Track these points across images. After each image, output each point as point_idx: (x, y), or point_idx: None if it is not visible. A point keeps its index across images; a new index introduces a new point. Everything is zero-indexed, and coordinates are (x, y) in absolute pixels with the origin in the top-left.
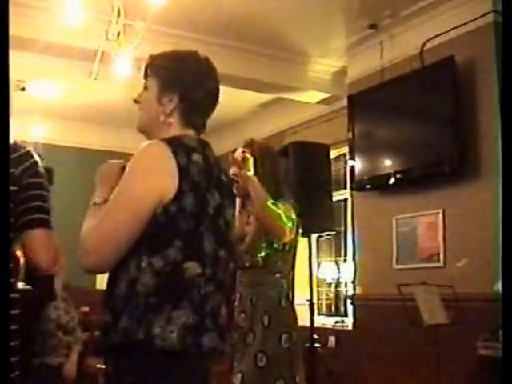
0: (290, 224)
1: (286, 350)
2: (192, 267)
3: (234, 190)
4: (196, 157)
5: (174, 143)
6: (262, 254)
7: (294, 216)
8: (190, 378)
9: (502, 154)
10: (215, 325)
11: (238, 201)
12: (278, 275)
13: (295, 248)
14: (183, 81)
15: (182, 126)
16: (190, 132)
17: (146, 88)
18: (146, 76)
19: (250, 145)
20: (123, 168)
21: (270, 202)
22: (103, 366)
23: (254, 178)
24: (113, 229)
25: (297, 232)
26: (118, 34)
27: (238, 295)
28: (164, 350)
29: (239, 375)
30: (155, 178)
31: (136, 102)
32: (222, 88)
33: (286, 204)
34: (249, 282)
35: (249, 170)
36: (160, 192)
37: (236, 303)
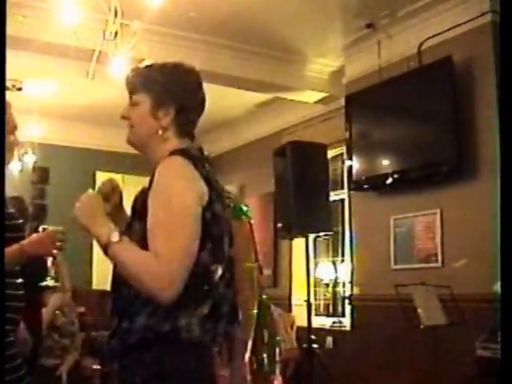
0: None
1: None
2: (216, 269)
3: None
4: (207, 166)
5: (188, 156)
6: None
7: None
8: (205, 364)
9: (501, 154)
10: (226, 313)
11: None
12: None
13: None
14: (178, 93)
15: (179, 137)
16: (187, 142)
17: (135, 104)
18: (133, 92)
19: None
20: (114, 188)
21: None
22: (99, 367)
23: None
24: (187, 246)
25: None
26: (115, 33)
27: None
28: (189, 341)
29: None
30: (192, 184)
31: (124, 118)
32: (219, 88)
33: None
34: None
35: None
36: (200, 197)
37: None
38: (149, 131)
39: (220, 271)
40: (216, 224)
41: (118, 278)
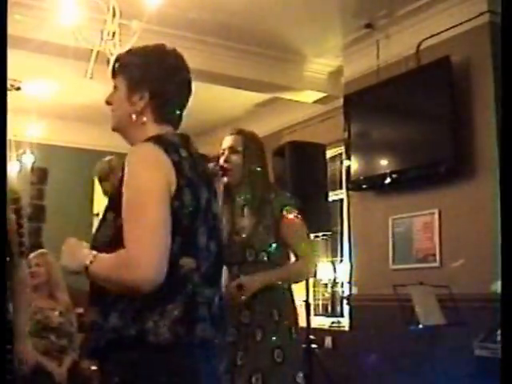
0: None
1: (295, 342)
2: (188, 263)
3: (218, 182)
4: (183, 153)
5: (161, 142)
6: (270, 249)
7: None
8: (184, 370)
9: (502, 154)
10: (208, 315)
11: (221, 193)
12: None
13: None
14: (151, 76)
15: (157, 122)
16: (168, 128)
17: (115, 88)
18: (113, 76)
19: (239, 133)
20: (111, 168)
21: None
22: (97, 368)
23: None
24: (153, 230)
25: None
26: (114, 33)
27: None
28: (157, 344)
29: (259, 374)
30: (161, 172)
31: (108, 103)
32: (217, 88)
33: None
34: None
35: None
36: (168, 186)
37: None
38: (125, 116)
39: (193, 265)
40: (186, 215)
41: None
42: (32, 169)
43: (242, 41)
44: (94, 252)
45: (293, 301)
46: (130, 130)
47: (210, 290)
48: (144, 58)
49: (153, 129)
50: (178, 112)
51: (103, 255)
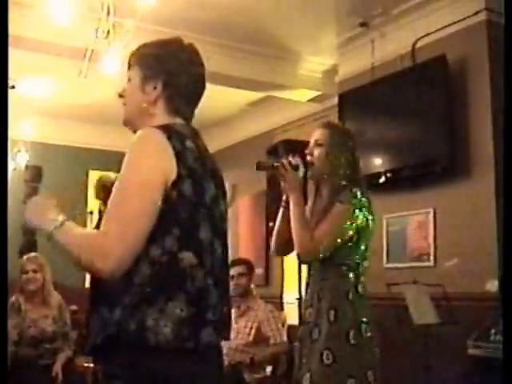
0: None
1: (354, 347)
2: (188, 257)
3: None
4: (189, 144)
5: (166, 129)
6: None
7: (357, 216)
8: (184, 374)
9: (504, 154)
10: (213, 318)
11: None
12: (344, 267)
13: (366, 239)
14: (166, 67)
15: (169, 114)
16: (178, 120)
17: (129, 79)
18: (128, 68)
19: (325, 127)
20: (103, 186)
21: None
22: (91, 365)
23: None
24: (132, 220)
25: (367, 220)
26: (108, 32)
27: (308, 290)
28: (157, 345)
29: (308, 374)
30: (158, 160)
31: (120, 96)
32: (211, 86)
33: (345, 205)
34: (317, 276)
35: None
36: (164, 175)
37: (306, 297)
38: (138, 106)
39: (194, 261)
40: (186, 207)
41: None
42: (26, 167)
43: (236, 39)
44: (61, 217)
45: (364, 303)
46: (141, 122)
47: (215, 289)
48: (160, 49)
49: (163, 120)
50: (189, 106)
51: (72, 225)
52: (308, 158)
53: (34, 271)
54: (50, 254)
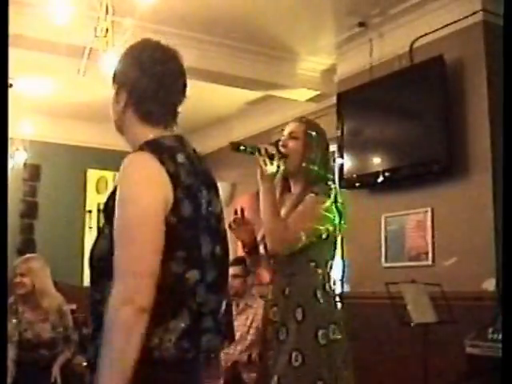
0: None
1: (324, 348)
2: (193, 275)
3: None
4: (180, 158)
5: (156, 150)
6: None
7: (332, 209)
8: (186, 381)
9: (504, 154)
10: (213, 324)
11: (279, 182)
12: (312, 264)
13: (336, 236)
14: (128, 72)
15: (143, 122)
16: (159, 130)
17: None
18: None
19: (301, 121)
20: None
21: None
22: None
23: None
24: (141, 257)
25: (340, 216)
26: (107, 30)
27: (270, 287)
28: (162, 360)
29: (275, 377)
30: (155, 191)
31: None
32: (210, 85)
33: (321, 199)
34: (283, 271)
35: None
36: (163, 203)
37: (269, 296)
38: (114, 118)
39: (198, 276)
40: (187, 227)
41: (98, 293)
42: (25, 165)
43: (234, 39)
44: None
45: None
46: (125, 133)
47: (215, 298)
48: (123, 56)
49: (142, 130)
50: (165, 107)
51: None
52: (282, 149)
53: (22, 275)
54: (49, 253)
